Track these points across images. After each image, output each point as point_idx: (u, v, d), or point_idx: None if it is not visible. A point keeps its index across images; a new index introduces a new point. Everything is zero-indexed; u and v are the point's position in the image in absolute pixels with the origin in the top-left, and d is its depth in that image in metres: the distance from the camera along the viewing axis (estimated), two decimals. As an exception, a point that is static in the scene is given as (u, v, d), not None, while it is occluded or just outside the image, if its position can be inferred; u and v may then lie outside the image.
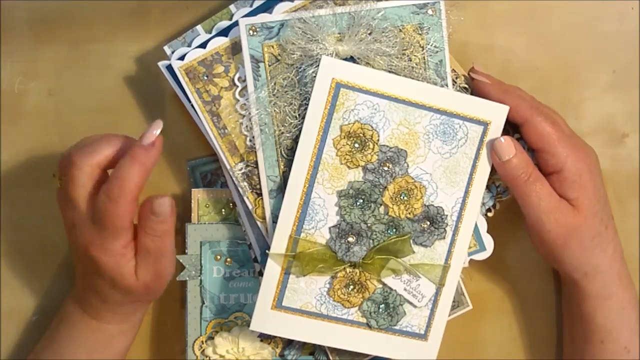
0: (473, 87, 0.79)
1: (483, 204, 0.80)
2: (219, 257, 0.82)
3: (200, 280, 0.82)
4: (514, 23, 0.86)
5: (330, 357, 0.81)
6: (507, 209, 0.82)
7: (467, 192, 0.77)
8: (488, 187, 0.80)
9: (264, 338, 0.82)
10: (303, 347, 0.83)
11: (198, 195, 0.82)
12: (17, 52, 0.86)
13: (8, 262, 0.87)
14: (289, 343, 0.83)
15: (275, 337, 0.82)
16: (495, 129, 0.77)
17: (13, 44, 0.86)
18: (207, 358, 0.82)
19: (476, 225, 0.79)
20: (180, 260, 0.81)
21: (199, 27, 0.79)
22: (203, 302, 0.82)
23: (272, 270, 0.76)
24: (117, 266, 0.74)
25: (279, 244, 0.76)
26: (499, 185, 0.81)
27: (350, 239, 0.76)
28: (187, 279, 0.82)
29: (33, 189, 0.87)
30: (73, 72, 0.86)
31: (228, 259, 0.82)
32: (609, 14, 0.85)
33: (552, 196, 0.76)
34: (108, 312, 0.78)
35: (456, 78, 0.79)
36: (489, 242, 0.81)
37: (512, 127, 0.79)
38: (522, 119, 0.77)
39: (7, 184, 0.87)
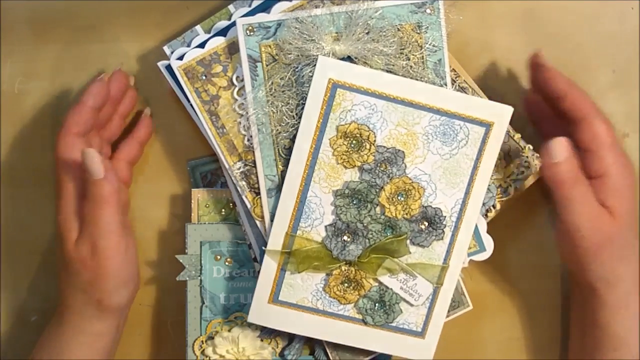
0: (533, 73, 0.79)
1: (483, 204, 0.80)
2: (219, 257, 0.82)
3: (200, 280, 0.82)
4: (514, 23, 0.85)
5: (330, 357, 0.81)
6: (507, 209, 0.82)
7: (467, 193, 0.77)
8: (488, 187, 0.80)
9: (264, 338, 0.82)
10: (303, 347, 0.83)
11: (198, 195, 0.82)
12: (17, 52, 0.86)
13: (8, 262, 0.87)
14: (289, 343, 0.83)
15: (275, 337, 0.82)
16: (499, 131, 0.76)
17: (13, 44, 0.86)
18: (207, 358, 0.82)
19: (476, 225, 0.79)
20: (180, 260, 0.81)
21: (198, 27, 0.80)
22: (203, 302, 0.82)
23: (269, 266, 0.77)
24: (64, 227, 0.77)
25: (276, 240, 0.76)
26: (500, 186, 0.81)
27: (346, 238, 0.76)
28: (187, 279, 0.82)
29: (33, 189, 0.87)
30: (73, 72, 0.86)
31: (228, 259, 0.82)
32: (609, 14, 0.85)
33: (595, 203, 0.75)
34: (66, 308, 0.78)
35: (456, 77, 0.79)
36: (488, 242, 0.80)
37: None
38: (582, 114, 0.76)
39: (7, 184, 0.87)
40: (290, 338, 0.82)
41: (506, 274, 0.86)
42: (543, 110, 0.82)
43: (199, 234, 0.82)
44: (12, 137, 0.87)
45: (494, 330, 0.87)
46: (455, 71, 0.79)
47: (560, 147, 0.74)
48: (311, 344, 0.83)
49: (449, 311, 0.79)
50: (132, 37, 0.86)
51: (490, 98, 0.78)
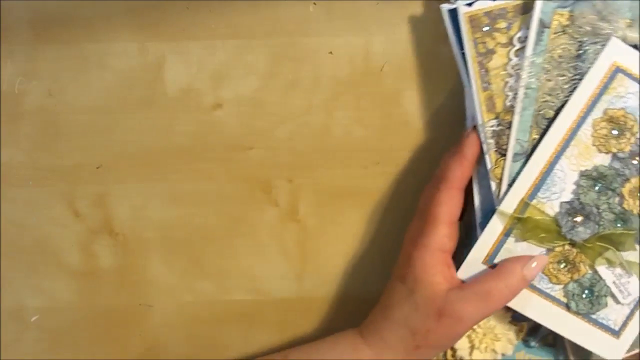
0: None
1: None
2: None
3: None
4: (514, 24, 0.85)
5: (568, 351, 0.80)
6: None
7: None
8: None
9: (515, 320, 0.80)
10: (546, 337, 0.81)
11: None
12: (17, 52, 0.85)
13: (8, 262, 0.87)
14: (534, 330, 0.81)
15: (522, 321, 0.81)
16: None
17: (13, 44, 0.85)
18: None
19: None
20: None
21: None
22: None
23: (494, 227, 0.75)
24: (424, 268, 0.74)
25: (510, 203, 0.75)
26: None
27: (577, 219, 0.76)
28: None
29: (33, 189, 0.87)
30: (73, 72, 0.86)
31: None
32: (608, 15, 0.86)
33: None
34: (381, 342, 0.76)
35: None
36: None
37: None
38: None
39: (7, 184, 0.87)
40: (537, 325, 0.80)
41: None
42: None
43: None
44: (12, 137, 0.86)
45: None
46: None
47: None
48: (554, 335, 0.81)
49: None
50: (132, 37, 0.85)
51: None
